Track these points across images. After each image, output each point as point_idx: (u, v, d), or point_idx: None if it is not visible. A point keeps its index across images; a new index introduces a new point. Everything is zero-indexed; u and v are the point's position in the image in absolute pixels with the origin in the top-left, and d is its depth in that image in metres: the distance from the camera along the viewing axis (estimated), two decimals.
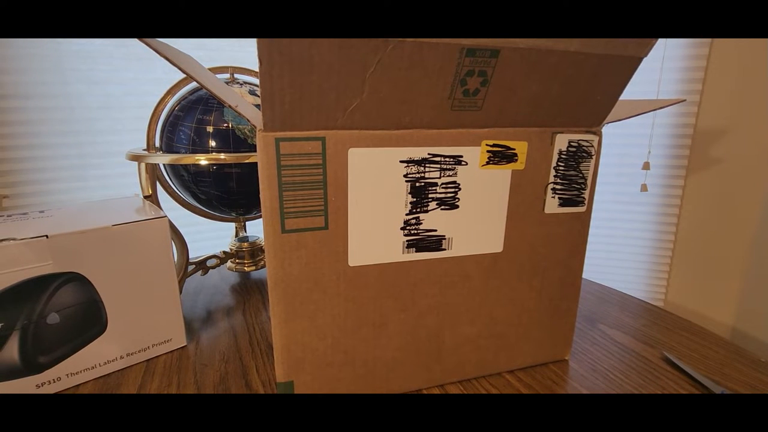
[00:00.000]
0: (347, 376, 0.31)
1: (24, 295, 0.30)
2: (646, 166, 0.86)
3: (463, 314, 0.32)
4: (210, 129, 0.43)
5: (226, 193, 0.46)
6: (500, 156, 0.29)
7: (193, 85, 0.47)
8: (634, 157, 0.89)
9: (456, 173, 0.29)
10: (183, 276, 0.48)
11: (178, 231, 0.48)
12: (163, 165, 0.48)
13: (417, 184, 0.28)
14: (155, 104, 0.46)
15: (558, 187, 0.32)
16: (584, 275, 0.90)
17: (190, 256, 0.50)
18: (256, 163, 0.44)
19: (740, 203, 0.83)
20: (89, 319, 0.33)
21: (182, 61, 0.28)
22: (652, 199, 0.90)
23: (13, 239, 0.29)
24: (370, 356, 0.31)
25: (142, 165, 0.44)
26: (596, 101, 0.29)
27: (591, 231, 0.95)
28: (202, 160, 0.40)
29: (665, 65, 0.82)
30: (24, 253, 0.30)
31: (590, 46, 0.25)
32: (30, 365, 0.31)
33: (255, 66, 0.52)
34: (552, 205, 0.32)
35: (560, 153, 0.31)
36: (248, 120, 0.26)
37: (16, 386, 0.31)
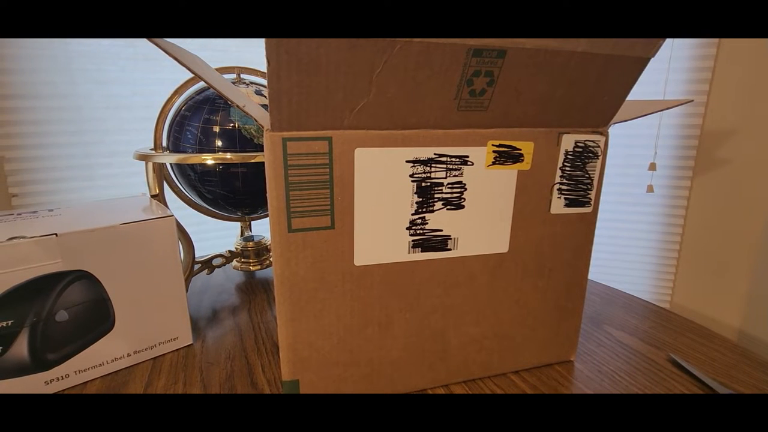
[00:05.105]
0: (352, 375, 0.31)
1: (33, 293, 0.31)
2: (653, 167, 0.86)
3: (469, 314, 0.32)
4: (216, 129, 0.43)
5: (232, 192, 0.46)
6: (506, 156, 0.29)
7: (200, 85, 0.47)
8: (640, 158, 0.88)
9: (462, 173, 0.29)
10: (189, 275, 0.49)
11: (185, 230, 0.49)
12: (170, 164, 0.48)
13: (423, 184, 0.28)
14: (162, 104, 0.46)
15: (564, 187, 0.31)
16: (590, 276, 0.89)
17: (196, 255, 0.51)
18: (262, 162, 0.44)
19: (747, 204, 0.82)
20: (97, 317, 0.34)
21: (190, 61, 0.28)
22: (658, 200, 0.89)
23: (23, 237, 0.30)
24: (375, 356, 0.31)
25: (150, 164, 0.45)
26: (603, 102, 0.29)
27: (597, 232, 0.94)
28: (209, 159, 0.40)
29: (672, 65, 0.82)
30: (34, 251, 0.30)
31: (597, 46, 0.25)
32: (39, 362, 0.32)
33: (261, 66, 0.52)
34: (558, 205, 0.32)
35: (566, 153, 0.31)
36: (255, 120, 0.26)
37: (24, 383, 0.31)
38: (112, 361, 0.35)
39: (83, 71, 0.76)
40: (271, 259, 0.57)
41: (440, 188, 0.29)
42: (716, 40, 0.79)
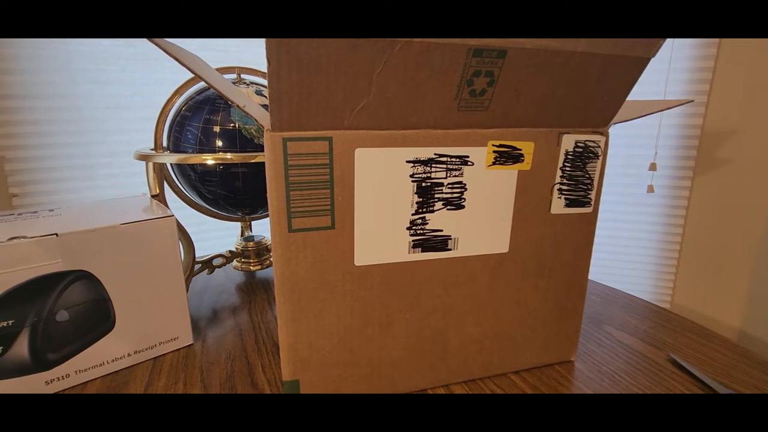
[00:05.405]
0: (353, 375, 0.31)
1: (34, 293, 0.31)
2: (653, 167, 0.86)
3: (469, 314, 0.32)
4: (217, 129, 0.43)
5: (233, 192, 0.46)
6: (506, 156, 0.29)
7: (201, 85, 0.47)
8: (640, 158, 0.88)
9: (462, 173, 0.29)
10: (189, 275, 0.49)
11: (185, 230, 0.49)
12: (171, 164, 0.48)
13: (423, 184, 0.28)
14: (163, 104, 0.46)
15: (564, 187, 0.31)
16: (590, 276, 0.89)
17: (196, 255, 0.51)
18: (263, 162, 0.44)
19: (748, 205, 0.82)
20: (98, 317, 0.34)
21: (190, 61, 0.28)
22: (659, 200, 0.89)
23: (24, 237, 0.30)
24: (375, 356, 0.31)
25: (150, 164, 0.45)
26: (603, 102, 0.29)
27: (597, 232, 0.94)
28: (209, 159, 0.40)
29: (672, 65, 0.82)
30: (34, 251, 0.30)
31: (597, 46, 0.25)
32: (39, 362, 0.32)
33: (262, 66, 0.53)
34: (558, 205, 0.32)
35: (567, 153, 0.31)
36: (255, 120, 0.26)
37: (25, 383, 0.31)
38: (113, 361, 0.35)
39: (83, 71, 0.76)
40: (271, 259, 0.57)
41: (440, 188, 0.29)
42: (716, 40, 0.79)
